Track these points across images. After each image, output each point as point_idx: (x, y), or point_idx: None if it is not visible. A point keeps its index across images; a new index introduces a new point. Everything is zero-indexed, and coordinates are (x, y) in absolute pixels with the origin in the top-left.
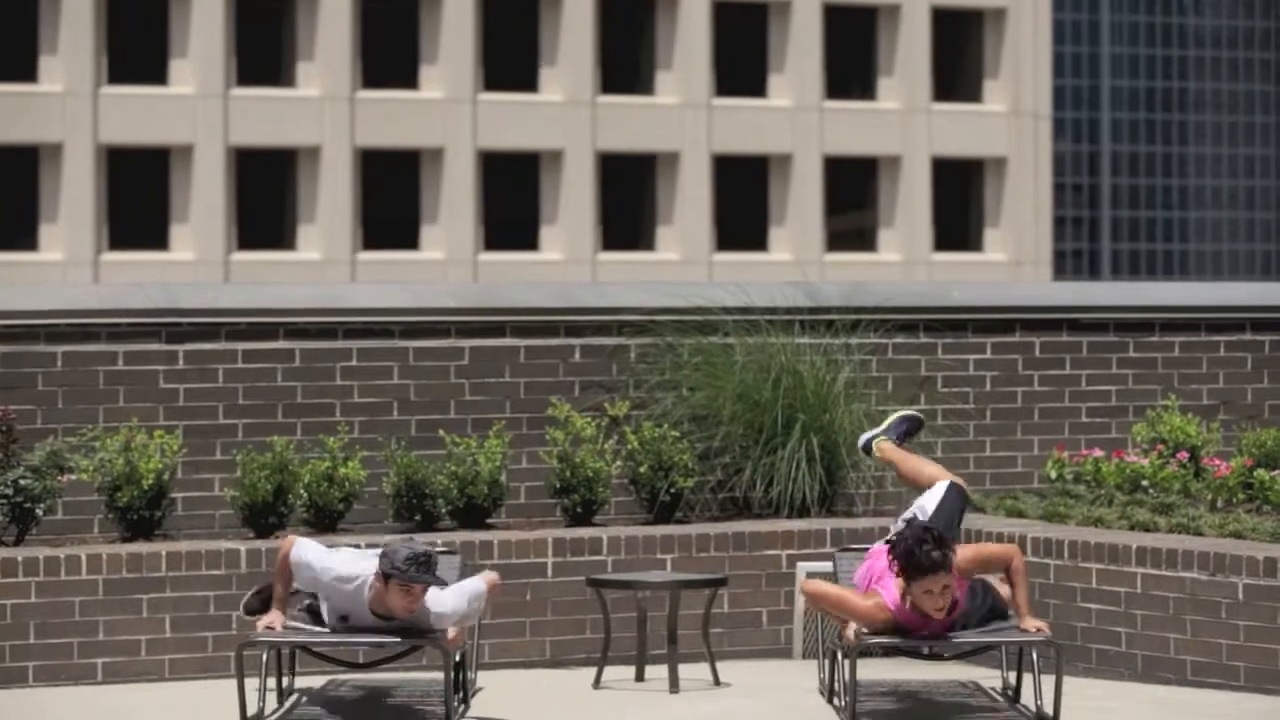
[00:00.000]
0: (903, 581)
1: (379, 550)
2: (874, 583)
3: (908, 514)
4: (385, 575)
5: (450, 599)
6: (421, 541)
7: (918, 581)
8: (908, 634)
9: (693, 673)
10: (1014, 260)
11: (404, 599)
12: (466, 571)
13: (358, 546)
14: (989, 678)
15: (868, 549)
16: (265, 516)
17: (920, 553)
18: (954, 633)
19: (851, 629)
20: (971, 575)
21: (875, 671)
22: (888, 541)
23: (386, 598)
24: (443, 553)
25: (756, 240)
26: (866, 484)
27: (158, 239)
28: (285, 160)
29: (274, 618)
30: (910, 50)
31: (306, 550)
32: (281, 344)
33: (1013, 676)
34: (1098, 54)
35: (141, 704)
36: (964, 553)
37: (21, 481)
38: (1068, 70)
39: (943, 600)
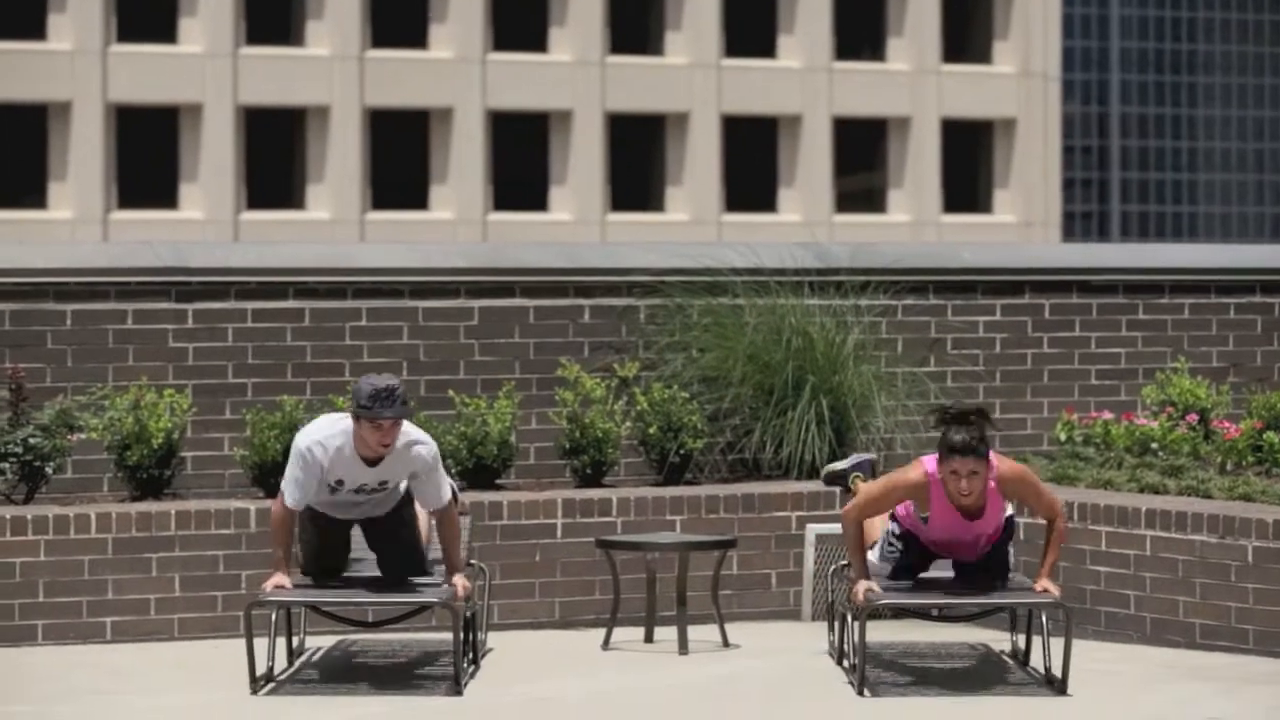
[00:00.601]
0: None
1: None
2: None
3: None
4: (354, 415)
5: (429, 456)
6: (388, 375)
7: (949, 461)
8: (932, 550)
9: (702, 634)
10: (1023, 222)
11: (375, 434)
12: (476, 534)
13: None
14: (998, 640)
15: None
16: (274, 476)
17: (952, 433)
18: (972, 583)
19: (861, 589)
20: (1013, 496)
21: (884, 634)
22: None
23: (363, 438)
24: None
25: (766, 201)
26: (876, 446)
27: (167, 198)
28: (294, 119)
29: (281, 578)
30: (920, 11)
31: (291, 488)
32: (291, 303)
33: (1022, 640)
34: (1107, 15)
35: (150, 663)
36: (1018, 470)
37: (31, 440)
38: (1077, 32)
39: (969, 486)
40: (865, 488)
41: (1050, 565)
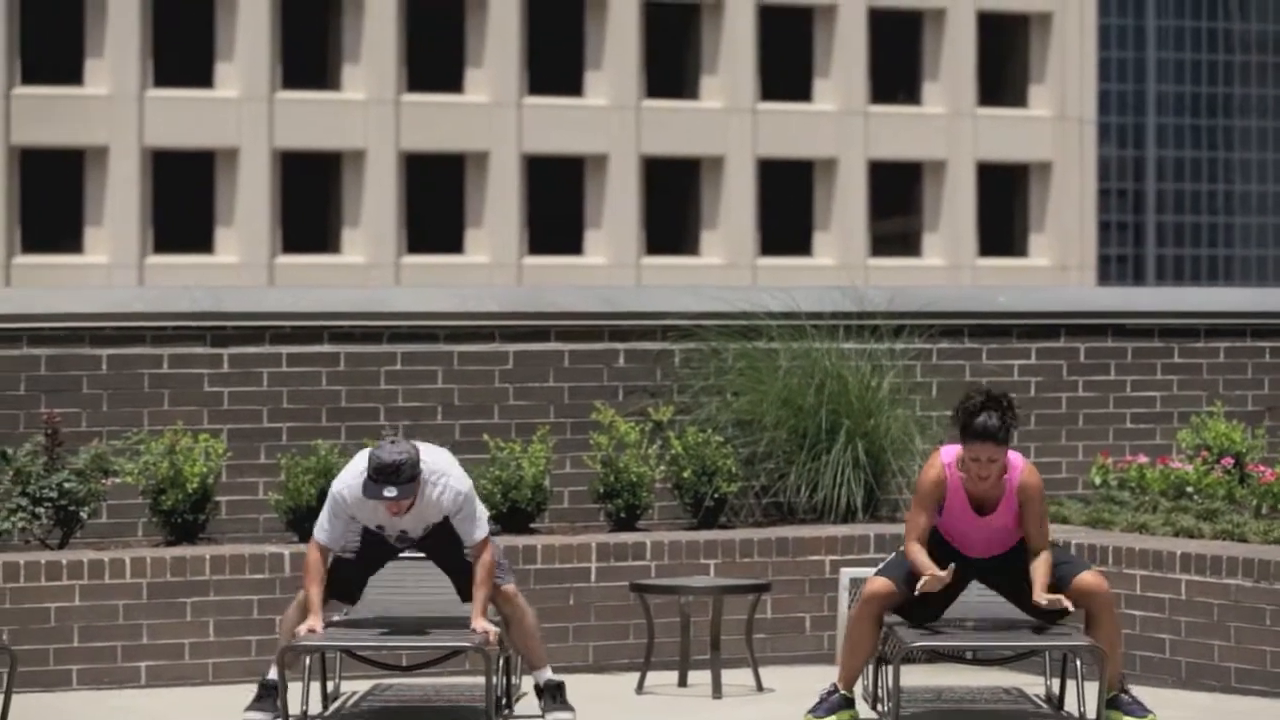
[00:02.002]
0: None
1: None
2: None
3: None
4: (366, 489)
5: (457, 499)
6: (401, 439)
7: (968, 445)
8: (949, 544)
9: (736, 678)
10: (1059, 265)
11: (388, 506)
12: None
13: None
14: (1032, 684)
15: None
16: (309, 520)
17: (976, 416)
18: (1006, 624)
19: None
20: (1021, 503)
21: (919, 678)
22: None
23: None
24: None
25: (801, 245)
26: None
27: (202, 242)
28: (330, 163)
29: (314, 621)
30: (955, 54)
31: (321, 530)
32: (326, 348)
33: (1056, 683)
34: (1143, 59)
35: (185, 708)
36: (1038, 484)
37: (66, 484)
38: (1113, 75)
39: (986, 472)
40: (908, 515)
41: (1045, 579)
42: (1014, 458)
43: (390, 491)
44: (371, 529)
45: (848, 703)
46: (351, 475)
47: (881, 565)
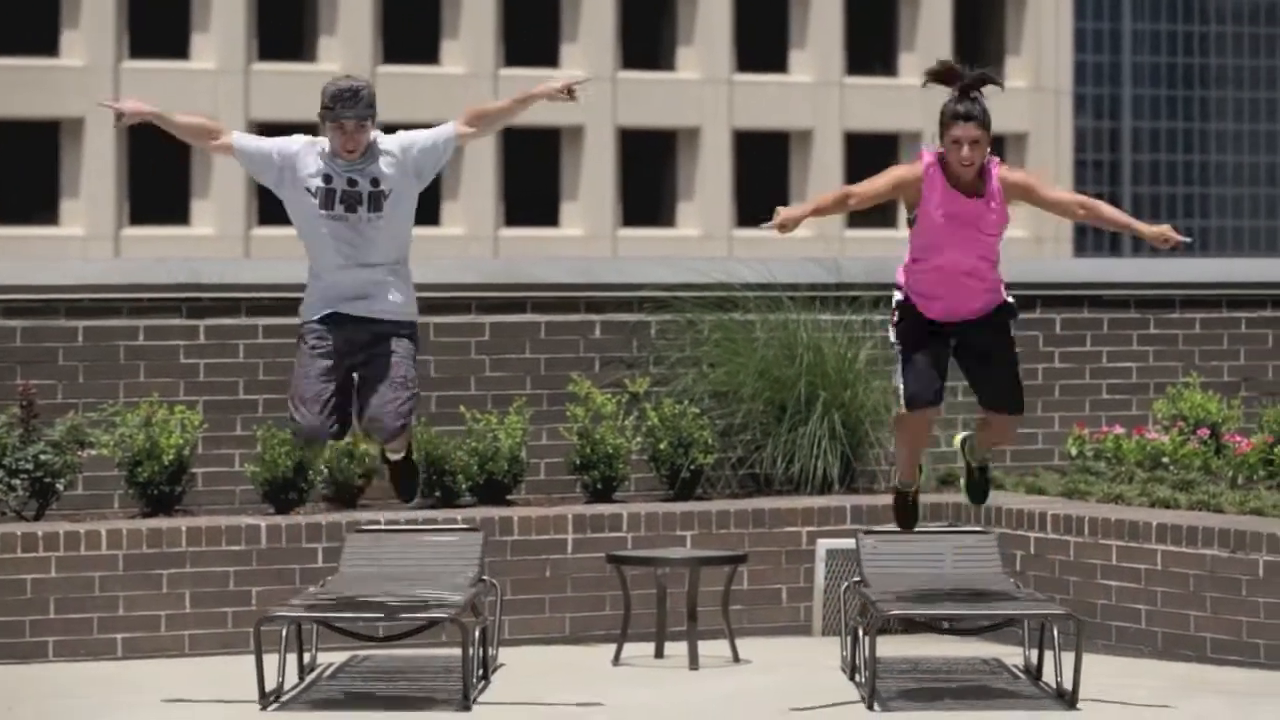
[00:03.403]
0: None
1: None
2: None
3: None
4: (320, 116)
5: (403, 135)
6: (360, 77)
7: (948, 129)
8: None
9: (712, 650)
10: (1035, 236)
11: (340, 138)
12: (487, 549)
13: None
14: (1010, 654)
15: (892, 531)
16: (285, 492)
17: (957, 104)
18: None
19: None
20: (1020, 193)
21: (896, 648)
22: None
23: (331, 142)
24: (464, 529)
25: None
26: (889, 460)
27: (179, 214)
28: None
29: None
30: (932, 26)
31: (247, 139)
32: None
33: (1034, 654)
34: (1119, 30)
35: (161, 679)
36: (1021, 171)
37: (42, 457)
38: (1089, 46)
39: (970, 155)
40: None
41: (1129, 220)
42: (992, 162)
43: (350, 113)
44: (319, 180)
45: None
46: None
47: (906, 382)
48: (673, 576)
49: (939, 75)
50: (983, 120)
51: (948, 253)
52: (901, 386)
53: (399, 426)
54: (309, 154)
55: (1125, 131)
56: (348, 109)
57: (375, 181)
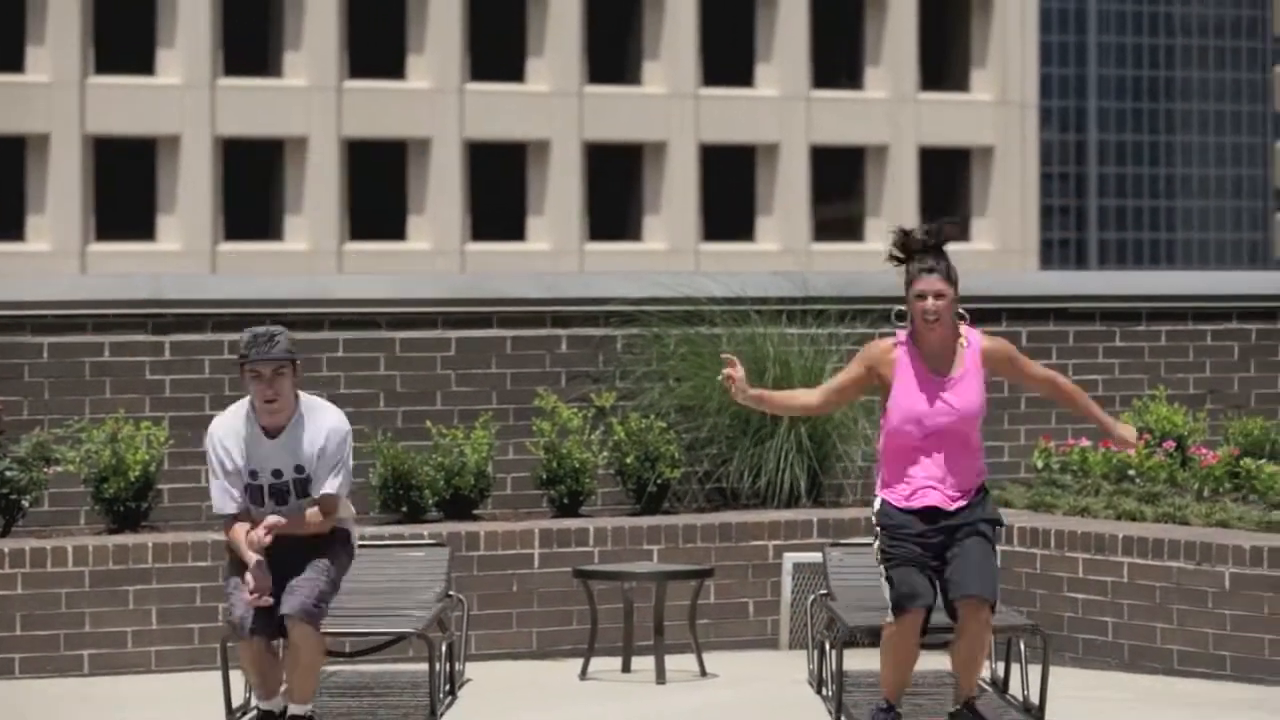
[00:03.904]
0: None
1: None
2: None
3: None
4: (240, 366)
5: (339, 428)
6: (279, 327)
7: (912, 285)
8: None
9: (679, 664)
10: (1001, 249)
11: (260, 388)
12: (454, 564)
13: None
14: None
15: (858, 544)
16: None
17: (915, 231)
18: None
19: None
20: (999, 366)
21: (862, 662)
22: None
23: (253, 397)
24: (431, 545)
25: (744, 230)
26: (855, 474)
27: (144, 230)
28: (272, 151)
29: (256, 530)
30: (897, 39)
31: (220, 499)
32: None
33: (1000, 666)
34: (1084, 43)
35: (128, 695)
36: (1002, 341)
37: (8, 473)
38: (1055, 59)
39: (934, 307)
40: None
41: (1099, 413)
42: (971, 331)
43: (269, 354)
44: (247, 480)
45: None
46: (222, 415)
47: (893, 589)
48: (639, 591)
49: (899, 247)
50: (945, 273)
51: (923, 443)
52: (888, 591)
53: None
54: (238, 444)
55: (1091, 144)
56: (264, 351)
57: (300, 470)
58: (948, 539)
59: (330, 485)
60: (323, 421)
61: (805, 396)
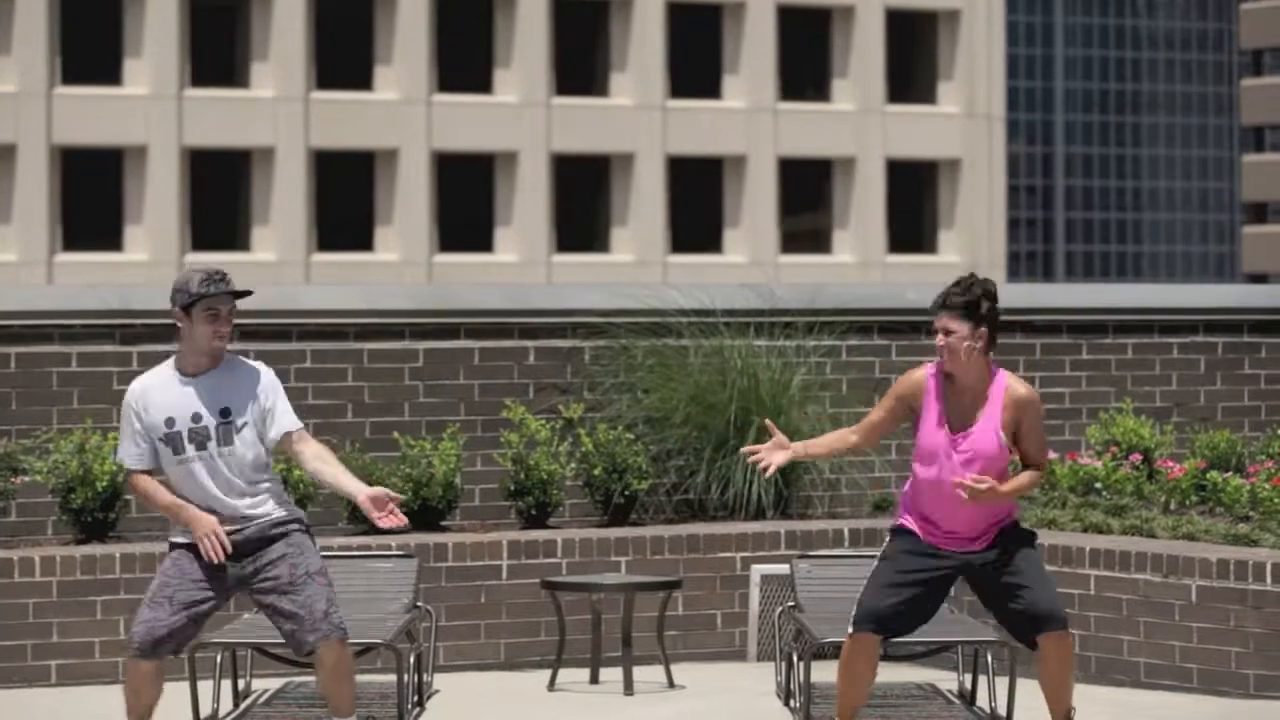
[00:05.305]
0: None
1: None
2: None
3: None
4: (186, 308)
5: (268, 372)
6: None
7: (937, 321)
8: (934, 456)
9: (647, 675)
10: (968, 262)
11: (216, 326)
12: (422, 575)
13: None
14: (945, 680)
15: (826, 555)
16: None
17: (948, 291)
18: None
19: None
20: (1015, 416)
21: (831, 674)
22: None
23: (194, 341)
24: (399, 555)
25: (711, 242)
26: (822, 486)
27: (111, 240)
28: (239, 161)
29: (203, 517)
30: (864, 52)
31: (127, 456)
32: (235, 346)
33: (968, 679)
34: (1051, 56)
35: (96, 706)
36: (1031, 392)
37: None
38: (1021, 72)
39: (942, 341)
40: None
41: (1015, 485)
42: (1002, 371)
43: (228, 288)
44: (164, 431)
45: None
46: (136, 381)
47: (859, 604)
48: (607, 602)
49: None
50: (965, 313)
51: (937, 485)
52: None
53: None
54: (155, 396)
55: (1058, 157)
56: (224, 287)
57: (225, 413)
58: (973, 573)
59: (290, 421)
60: (250, 367)
61: (850, 437)
